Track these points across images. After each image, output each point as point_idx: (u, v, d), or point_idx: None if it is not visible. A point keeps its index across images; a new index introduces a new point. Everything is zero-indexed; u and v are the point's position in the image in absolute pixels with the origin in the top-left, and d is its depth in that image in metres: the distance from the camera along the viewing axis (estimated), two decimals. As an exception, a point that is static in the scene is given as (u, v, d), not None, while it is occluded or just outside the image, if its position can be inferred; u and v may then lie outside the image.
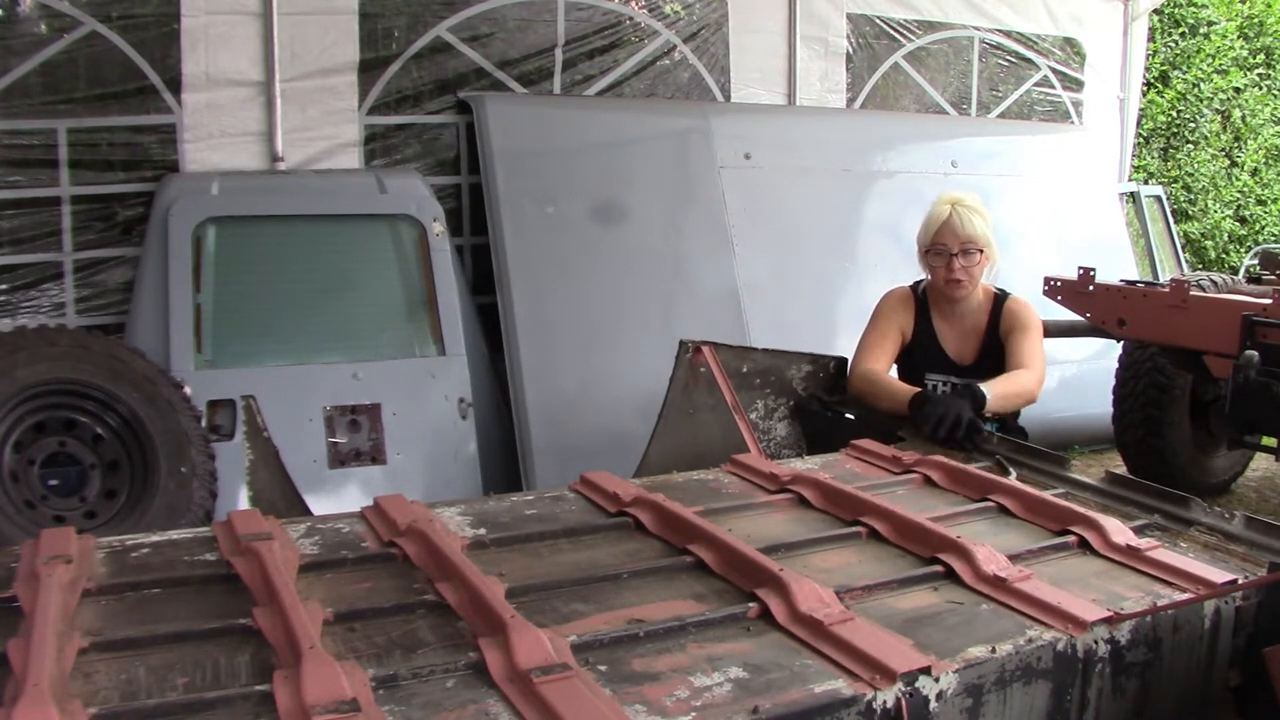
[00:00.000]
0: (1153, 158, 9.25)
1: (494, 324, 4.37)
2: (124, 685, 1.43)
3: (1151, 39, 8.32)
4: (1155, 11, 7.84)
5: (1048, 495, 2.18)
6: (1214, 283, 4.32)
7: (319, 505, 3.59)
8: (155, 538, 2.01)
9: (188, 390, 3.56)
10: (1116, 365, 4.62)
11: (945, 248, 3.03)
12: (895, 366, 3.19)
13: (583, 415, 4.27)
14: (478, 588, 1.63)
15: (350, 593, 1.75)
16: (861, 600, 1.71)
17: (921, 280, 3.22)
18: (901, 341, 3.16)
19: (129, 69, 4.09)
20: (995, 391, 2.79)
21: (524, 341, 4.26)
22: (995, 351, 3.08)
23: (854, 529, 2.04)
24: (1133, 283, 4.21)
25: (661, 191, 4.77)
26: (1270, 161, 9.77)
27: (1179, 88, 9.29)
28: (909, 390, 2.90)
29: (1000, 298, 3.14)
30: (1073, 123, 6.44)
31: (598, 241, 4.55)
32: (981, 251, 3.04)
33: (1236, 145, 9.66)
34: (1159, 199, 7.19)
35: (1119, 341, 4.45)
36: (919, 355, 3.16)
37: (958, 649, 1.53)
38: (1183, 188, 9.28)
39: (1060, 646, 1.58)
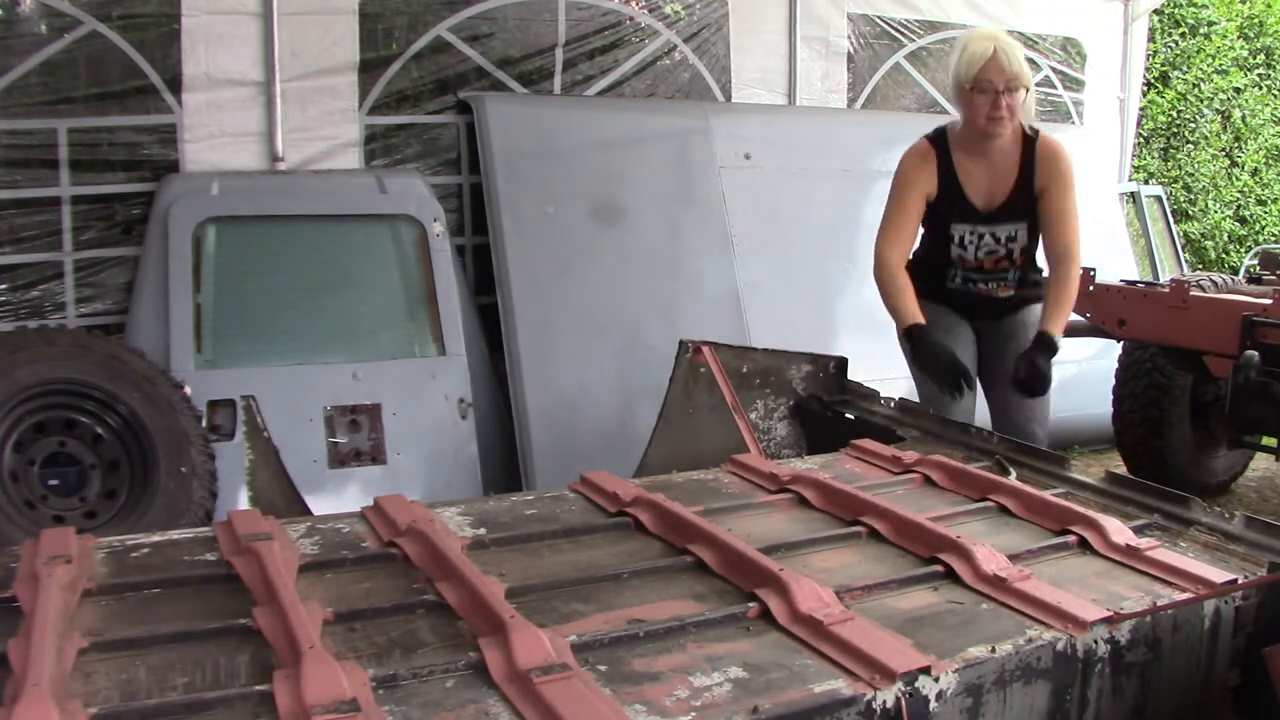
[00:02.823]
0: (1153, 158, 9.25)
1: (494, 324, 4.36)
2: (124, 685, 1.43)
3: (1151, 39, 8.31)
4: (1155, 11, 7.83)
5: (1048, 495, 2.18)
6: (1214, 283, 4.32)
7: (319, 505, 3.58)
8: (155, 538, 2.01)
9: (188, 390, 3.55)
10: (1116, 365, 4.62)
11: (990, 85, 2.91)
12: (921, 227, 3.12)
13: (583, 415, 4.27)
14: (477, 588, 1.63)
15: (350, 593, 1.75)
16: (861, 600, 1.71)
17: (940, 128, 3.12)
18: (925, 204, 3.06)
19: (129, 69, 4.08)
20: (1060, 328, 2.90)
21: (524, 341, 4.26)
22: (1026, 194, 3.02)
23: (854, 529, 2.04)
24: (1133, 283, 4.21)
25: (661, 191, 4.77)
26: (1270, 161, 9.76)
27: (1179, 88, 9.29)
28: (910, 314, 2.92)
29: (1030, 138, 3.05)
30: (1073, 123, 6.44)
31: (598, 241, 4.54)
32: (1026, 90, 2.96)
33: (1236, 145, 9.65)
34: (1159, 199, 7.19)
35: (1119, 341, 4.45)
36: (944, 208, 3.07)
37: (958, 649, 1.53)
38: (1183, 188, 9.28)
39: (1060, 646, 1.58)
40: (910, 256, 3.11)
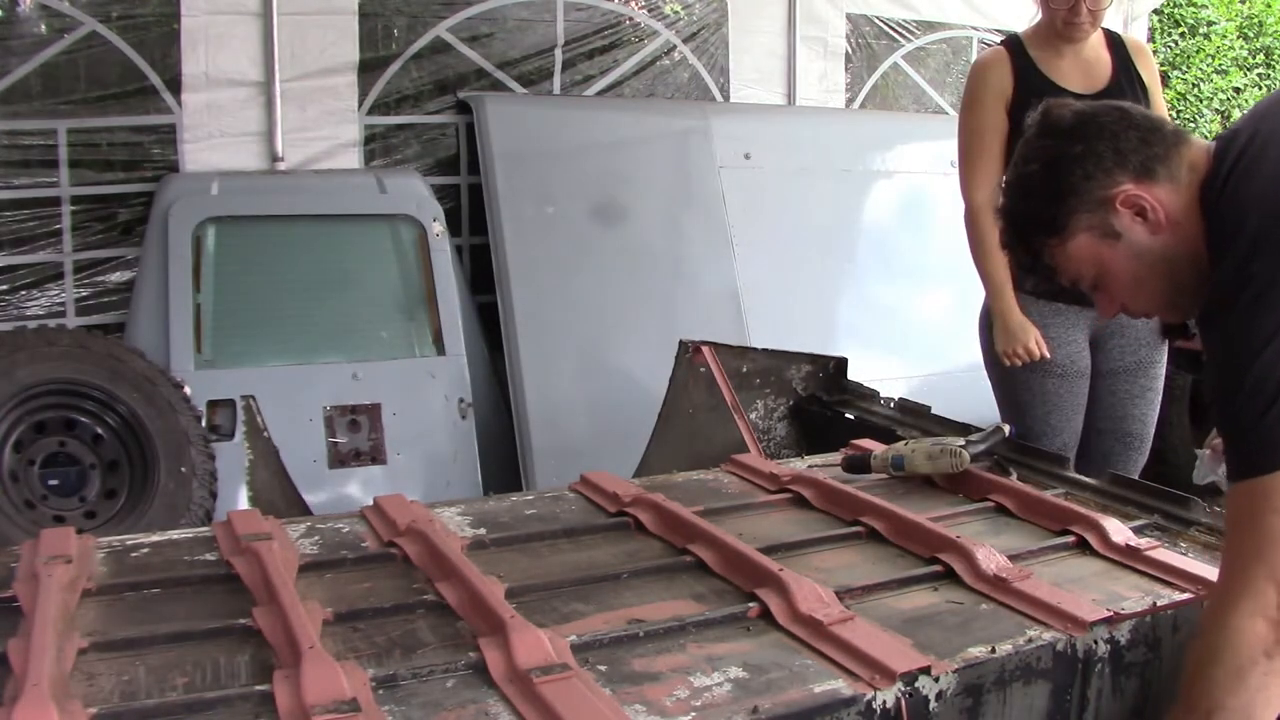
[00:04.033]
0: (1153, 158, 9.23)
1: (494, 324, 4.36)
2: (124, 685, 1.43)
3: (1151, 39, 8.31)
4: (1155, 11, 7.82)
5: (1047, 495, 2.18)
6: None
7: (319, 505, 3.60)
8: (155, 538, 2.01)
9: (188, 390, 3.55)
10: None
11: None
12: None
13: (583, 415, 4.27)
14: (478, 588, 1.63)
15: (350, 593, 1.75)
16: (861, 600, 1.71)
17: (1012, 34, 2.90)
18: (1006, 120, 2.72)
19: (129, 69, 4.08)
20: None
21: (524, 341, 4.26)
22: (1130, 77, 2.77)
23: (854, 529, 2.05)
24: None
25: (661, 191, 4.77)
26: (1270, 161, 9.75)
27: (1179, 88, 9.29)
28: (998, 283, 2.65)
29: (1113, 34, 2.85)
30: (1072, 123, 6.42)
31: (598, 241, 4.54)
32: None
33: (1236, 145, 9.65)
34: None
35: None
36: (1034, 106, 2.78)
37: (957, 649, 1.53)
38: (1183, 187, 9.27)
39: (1060, 646, 1.58)
40: None
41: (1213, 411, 1.46)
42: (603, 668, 1.47)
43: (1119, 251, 1.51)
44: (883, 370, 4.23)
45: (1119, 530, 1.95)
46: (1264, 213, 1.40)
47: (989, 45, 6.10)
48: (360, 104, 4.47)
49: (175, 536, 2.03)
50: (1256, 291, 1.37)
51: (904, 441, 2.42)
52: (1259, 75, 9.76)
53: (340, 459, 3.90)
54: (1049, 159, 1.54)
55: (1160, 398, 2.96)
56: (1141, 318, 1.70)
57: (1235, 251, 1.40)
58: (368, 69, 4.46)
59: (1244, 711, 1.36)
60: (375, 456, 3.95)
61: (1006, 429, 2.45)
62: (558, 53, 4.87)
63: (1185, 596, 1.73)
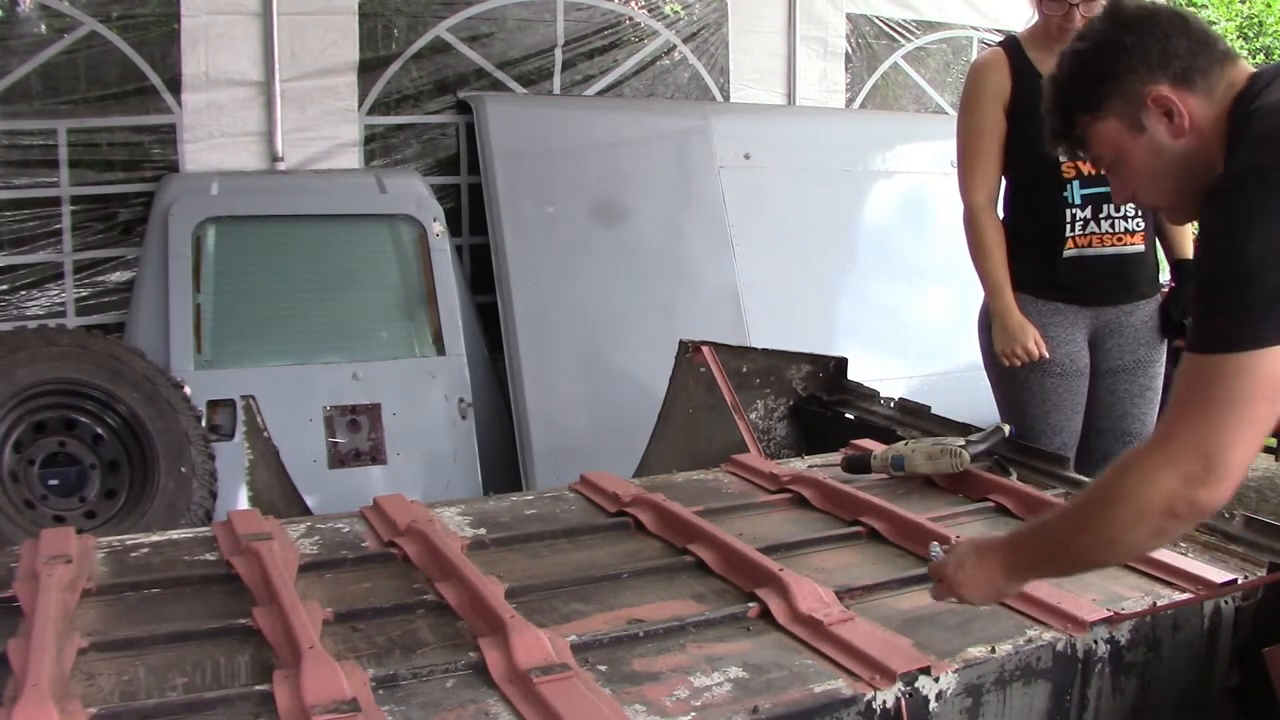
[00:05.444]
0: (1153, 157, 9.24)
1: (494, 324, 4.37)
2: (124, 685, 1.43)
3: (1151, 39, 8.31)
4: (1155, 11, 7.82)
5: (1048, 495, 2.18)
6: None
7: (319, 505, 3.60)
8: (155, 538, 2.02)
9: (188, 390, 3.56)
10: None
11: None
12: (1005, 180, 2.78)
13: (583, 415, 4.27)
14: (478, 588, 1.63)
15: (350, 593, 1.75)
16: (861, 600, 1.71)
17: (1010, 35, 2.89)
18: (1004, 121, 2.71)
19: (129, 69, 4.08)
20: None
21: (524, 341, 4.26)
22: None
23: (854, 529, 2.05)
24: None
25: (661, 191, 4.77)
26: (1270, 161, 9.77)
27: (1179, 88, 9.29)
28: (996, 284, 2.65)
29: None
30: (1073, 123, 6.42)
31: (598, 241, 4.55)
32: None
33: (1236, 145, 9.66)
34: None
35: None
36: (1033, 113, 2.76)
37: (957, 649, 1.53)
38: (1183, 187, 9.27)
39: (1060, 646, 1.58)
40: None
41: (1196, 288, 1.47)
42: (603, 668, 1.48)
43: (1140, 144, 1.60)
44: (883, 370, 4.23)
45: (1119, 530, 1.95)
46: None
47: (989, 45, 6.09)
48: (360, 104, 4.47)
49: (175, 536, 2.03)
50: (1262, 175, 1.40)
51: (904, 441, 2.42)
52: (1259, 75, 9.77)
53: (340, 459, 3.90)
54: (1102, 41, 1.63)
55: (1160, 397, 2.96)
56: (1149, 208, 1.90)
57: (1246, 145, 1.47)
58: (368, 69, 4.46)
59: (1138, 549, 1.55)
60: (375, 456, 3.95)
61: (1006, 429, 2.46)
62: (558, 53, 4.87)
63: (1185, 596, 1.73)
